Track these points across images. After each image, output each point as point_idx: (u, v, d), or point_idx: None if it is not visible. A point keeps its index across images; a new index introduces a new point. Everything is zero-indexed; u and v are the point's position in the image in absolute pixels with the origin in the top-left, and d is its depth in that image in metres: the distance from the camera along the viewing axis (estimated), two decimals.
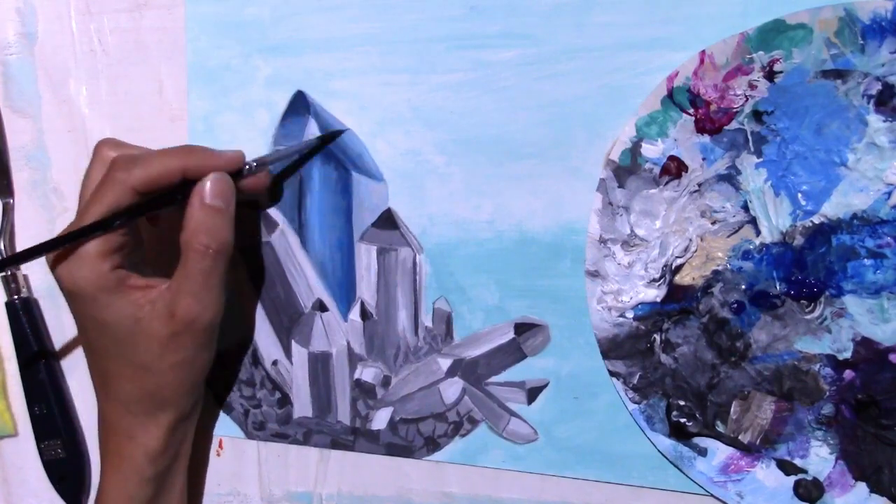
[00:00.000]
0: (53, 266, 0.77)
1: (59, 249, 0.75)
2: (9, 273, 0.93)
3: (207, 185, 0.77)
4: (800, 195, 0.74)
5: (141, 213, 0.77)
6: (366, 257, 0.86)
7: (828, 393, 0.75)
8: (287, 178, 0.88)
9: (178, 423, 0.84)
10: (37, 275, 0.95)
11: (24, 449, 0.97)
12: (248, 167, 0.81)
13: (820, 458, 0.76)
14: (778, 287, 0.75)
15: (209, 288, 0.78)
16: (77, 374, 0.96)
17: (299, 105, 0.87)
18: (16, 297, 0.93)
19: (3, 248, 0.94)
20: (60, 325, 0.95)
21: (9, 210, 0.95)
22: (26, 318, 0.93)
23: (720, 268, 0.77)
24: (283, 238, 0.88)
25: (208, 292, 0.78)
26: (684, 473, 0.78)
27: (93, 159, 0.81)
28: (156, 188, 0.77)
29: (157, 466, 0.83)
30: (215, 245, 0.77)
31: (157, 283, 0.79)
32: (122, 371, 0.80)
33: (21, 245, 0.95)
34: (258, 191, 0.84)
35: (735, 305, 0.77)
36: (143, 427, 0.82)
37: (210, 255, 0.77)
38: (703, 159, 0.75)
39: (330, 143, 0.87)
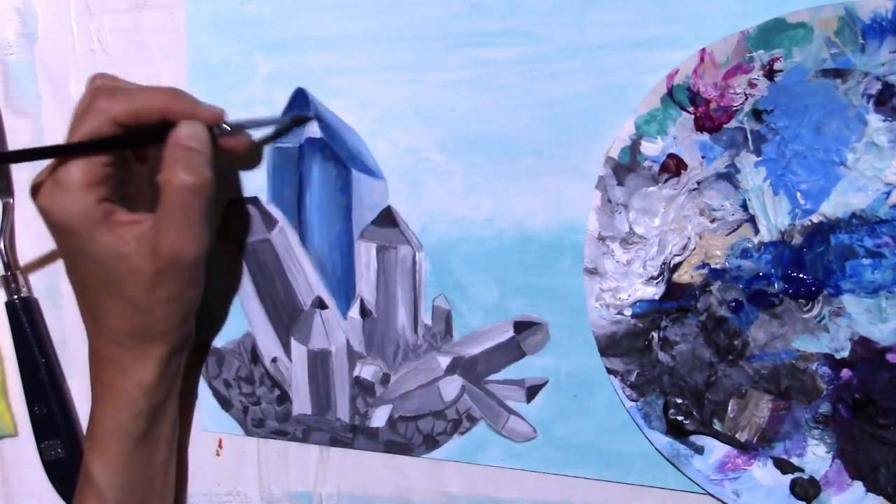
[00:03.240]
0: (38, 197, 0.79)
1: (31, 160, 0.80)
2: (9, 273, 0.94)
3: (183, 128, 0.79)
4: (799, 194, 0.74)
5: (118, 145, 0.79)
6: (365, 255, 0.87)
7: (825, 392, 0.75)
8: (261, 146, 0.90)
9: (170, 356, 0.85)
10: (37, 275, 0.96)
11: (24, 449, 0.97)
12: (224, 127, 0.83)
13: (817, 456, 0.76)
14: (776, 286, 0.75)
15: (191, 223, 0.79)
16: (77, 375, 0.96)
17: (299, 102, 0.87)
18: (16, 297, 0.93)
19: (3, 247, 0.94)
20: (60, 325, 0.96)
21: (9, 210, 0.95)
22: (26, 318, 0.93)
23: (718, 266, 0.77)
24: (282, 235, 0.88)
25: (190, 228, 0.79)
26: (681, 471, 0.78)
27: (86, 91, 0.82)
28: (136, 122, 0.79)
29: (150, 399, 0.84)
30: (193, 179, 0.78)
31: (144, 219, 0.80)
32: (111, 305, 0.81)
33: (21, 244, 0.95)
34: (236, 152, 0.86)
35: (733, 304, 0.77)
36: (135, 360, 0.83)
37: (189, 190, 0.78)
38: (703, 157, 0.76)
39: (300, 125, 0.88)
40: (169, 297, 0.81)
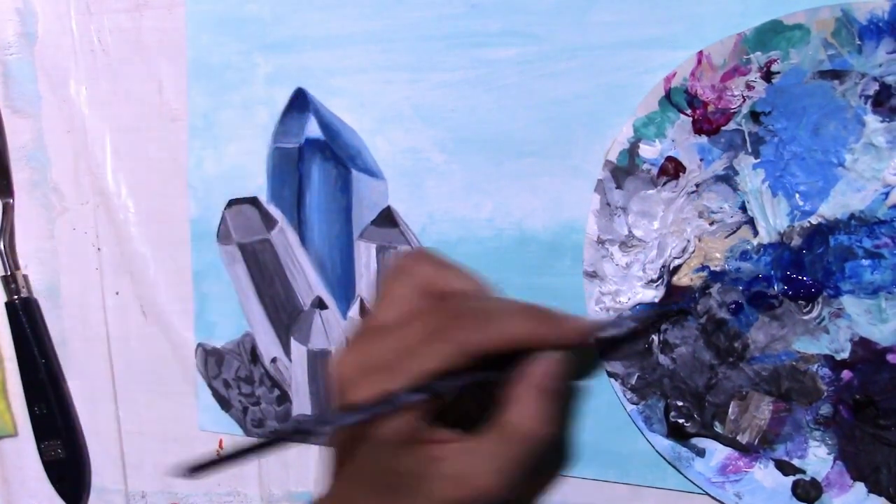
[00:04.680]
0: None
1: (378, 415, 0.65)
2: (9, 273, 0.94)
3: (544, 364, 0.69)
4: (797, 195, 0.74)
5: (465, 384, 0.67)
6: (365, 255, 0.86)
7: (826, 393, 0.75)
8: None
9: None
10: (37, 275, 0.96)
11: (24, 449, 0.97)
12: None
13: (818, 458, 0.76)
14: (776, 287, 0.75)
15: (520, 470, 0.69)
16: (77, 375, 0.96)
17: (299, 102, 0.87)
18: (16, 297, 0.94)
19: (3, 247, 0.94)
20: (60, 325, 0.96)
21: (9, 210, 0.95)
22: (26, 318, 0.94)
23: (718, 268, 0.76)
24: (282, 235, 0.88)
25: (515, 473, 0.68)
26: (682, 474, 0.78)
27: (401, 273, 0.71)
28: (490, 353, 0.67)
29: None
30: (546, 431, 0.68)
31: (448, 438, 0.69)
32: None
33: (21, 244, 0.96)
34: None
35: (733, 306, 0.76)
36: None
37: (537, 442, 0.68)
38: (701, 160, 0.75)
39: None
40: None
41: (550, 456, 0.78)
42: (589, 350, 0.78)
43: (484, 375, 0.67)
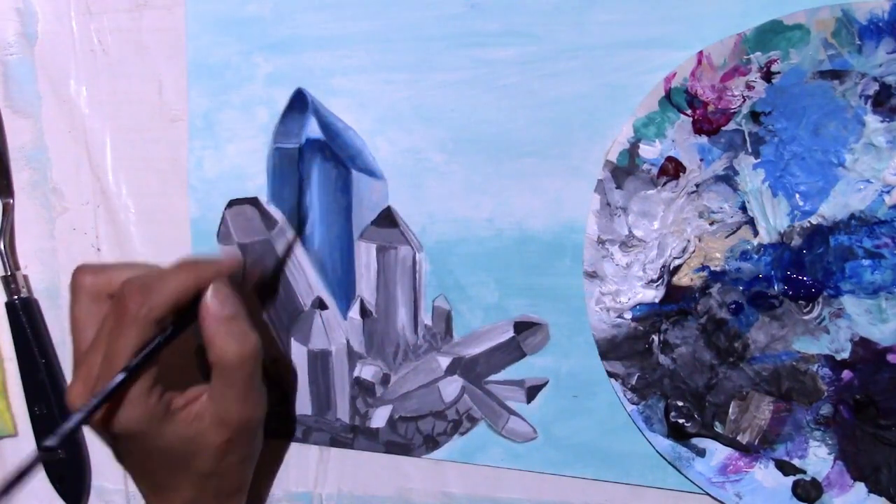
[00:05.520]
0: (98, 418, 0.75)
1: (103, 405, 0.73)
2: (9, 273, 0.94)
3: (211, 299, 0.76)
4: (797, 196, 0.74)
5: (169, 342, 0.76)
6: (365, 255, 0.86)
7: (826, 393, 0.75)
8: (279, 273, 0.90)
9: None
10: (37, 275, 0.95)
11: (24, 449, 0.97)
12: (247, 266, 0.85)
13: (818, 458, 0.76)
14: (776, 287, 0.75)
15: (253, 389, 0.79)
16: None
17: (299, 103, 0.87)
18: (16, 297, 0.93)
19: (3, 247, 0.94)
20: (60, 325, 0.96)
21: (9, 210, 0.95)
22: (26, 318, 0.93)
23: (718, 268, 0.76)
24: (282, 235, 0.88)
25: (253, 392, 0.79)
26: (683, 474, 0.78)
27: (75, 292, 0.79)
28: (173, 312, 0.76)
29: None
30: (244, 349, 0.76)
31: (199, 393, 0.78)
32: (181, 483, 0.81)
33: (21, 244, 0.95)
34: (262, 279, 0.88)
35: (733, 306, 0.76)
36: None
37: (244, 361, 0.77)
38: (701, 160, 0.75)
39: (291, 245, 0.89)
40: (241, 459, 0.82)
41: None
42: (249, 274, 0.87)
43: (161, 337, 0.75)
